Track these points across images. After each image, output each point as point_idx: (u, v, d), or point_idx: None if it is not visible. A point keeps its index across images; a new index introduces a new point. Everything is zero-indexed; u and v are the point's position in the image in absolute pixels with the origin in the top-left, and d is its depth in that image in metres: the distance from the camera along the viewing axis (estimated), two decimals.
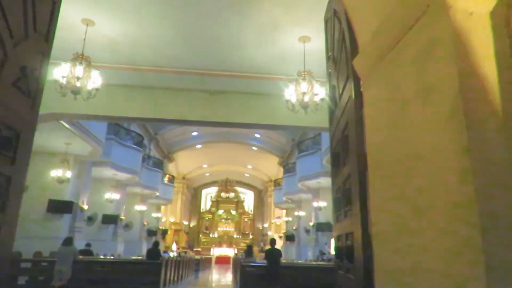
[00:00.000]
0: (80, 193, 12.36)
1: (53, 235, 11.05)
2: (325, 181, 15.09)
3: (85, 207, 12.56)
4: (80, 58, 5.52)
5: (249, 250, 8.54)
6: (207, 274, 17.49)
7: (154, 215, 23.36)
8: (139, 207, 19.19)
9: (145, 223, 21.06)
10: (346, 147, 2.64)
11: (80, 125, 9.71)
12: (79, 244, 11.63)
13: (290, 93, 5.72)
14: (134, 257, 11.83)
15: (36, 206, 10.89)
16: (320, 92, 5.73)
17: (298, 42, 6.18)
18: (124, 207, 17.49)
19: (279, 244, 31.19)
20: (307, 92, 5.62)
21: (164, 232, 27.54)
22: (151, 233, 22.61)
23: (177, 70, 7.28)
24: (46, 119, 7.85)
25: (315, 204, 15.74)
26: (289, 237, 23.26)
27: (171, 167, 30.57)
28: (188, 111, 7.93)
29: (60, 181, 10.46)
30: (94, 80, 5.56)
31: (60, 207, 11.21)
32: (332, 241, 16.39)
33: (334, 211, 3.22)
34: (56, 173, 10.36)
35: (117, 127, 14.34)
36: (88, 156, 11.82)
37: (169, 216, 34.06)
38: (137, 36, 6.26)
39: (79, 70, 5.36)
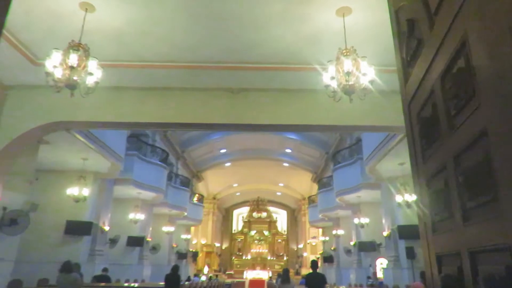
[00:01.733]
0: (100, 213, 11.56)
1: (72, 259, 10.20)
2: (367, 195, 13.54)
3: (106, 228, 11.73)
4: (76, 46, 4.63)
5: (285, 275, 7.21)
6: None
7: (184, 236, 22.36)
8: (167, 228, 18.27)
9: (174, 245, 20.06)
10: (464, 87, 1.41)
11: (96, 138, 8.94)
12: (99, 269, 10.73)
13: (331, 74, 4.54)
14: (160, 283, 10.76)
15: (53, 228, 10.13)
16: (369, 73, 4.51)
17: (336, 16, 5.04)
18: (150, 229, 16.60)
19: None
20: (351, 73, 4.42)
21: (195, 255, 26.44)
22: (181, 255, 21.58)
23: (193, 65, 6.30)
24: (53, 129, 7.07)
25: (355, 220, 14.15)
26: (327, 259, 21.50)
27: (200, 187, 29.78)
28: (208, 114, 6.91)
29: (77, 199, 9.68)
30: (93, 70, 4.64)
31: (79, 228, 10.41)
32: (378, 262, 14.68)
33: (422, 215, 1.96)
34: (71, 191, 9.58)
35: (140, 143, 13.63)
36: (107, 173, 11.06)
37: (200, 237, 33.07)
38: (145, 25, 5.35)
39: (73, 58, 4.46)
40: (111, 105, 6.86)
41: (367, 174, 12.03)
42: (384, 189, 11.88)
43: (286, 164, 27.29)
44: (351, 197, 13.98)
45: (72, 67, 4.44)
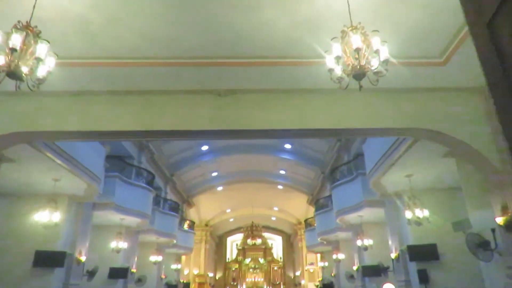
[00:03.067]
0: (76, 241, 10.35)
1: None
2: (369, 214, 12.52)
3: (83, 258, 10.48)
4: (23, 28, 3.75)
5: None
6: None
7: (174, 266, 20.86)
8: (154, 258, 16.87)
9: (163, 276, 18.58)
10: None
11: (68, 155, 7.92)
12: None
13: (336, 53, 3.69)
14: None
15: (19, 259, 8.93)
16: (382, 51, 3.68)
17: None
18: (135, 259, 15.26)
19: None
20: (361, 50, 3.59)
21: (186, 286, 24.74)
22: (171, 287, 20.04)
23: (173, 62, 5.45)
24: (12, 142, 6.08)
25: (358, 243, 13.05)
26: (327, 286, 20.14)
27: (192, 213, 28.44)
28: (192, 119, 6.02)
29: (46, 226, 8.52)
30: (42, 56, 3.74)
31: (50, 259, 9.18)
32: None
33: None
34: (40, 216, 8.45)
35: (122, 163, 12.59)
36: (84, 196, 9.94)
37: (192, 267, 31.34)
38: (114, 10, 4.52)
39: (16, 39, 3.56)
40: (79, 112, 5.94)
41: (369, 191, 11.07)
42: (389, 206, 10.92)
43: (280, 187, 26.25)
44: (352, 217, 12.94)
45: (13, 50, 3.53)
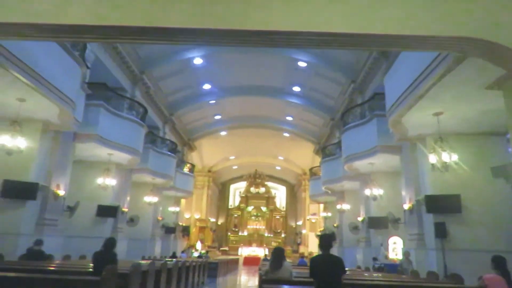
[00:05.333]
0: (53, 174, 9.30)
1: (11, 228, 8.13)
2: (382, 161, 11.26)
3: (61, 193, 9.50)
4: None
5: (277, 258, 4.93)
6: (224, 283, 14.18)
7: (172, 209, 20.28)
8: (149, 199, 16.12)
9: (159, 218, 18.00)
10: None
11: (30, 69, 6.56)
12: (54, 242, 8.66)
13: None
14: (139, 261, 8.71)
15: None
16: None
17: None
18: (128, 198, 14.46)
19: (313, 245, 27.01)
20: None
21: (186, 229, 24.46)
22: (168, 230, 19.59)
23: None
24: None
25: (367, 192, 11.91)
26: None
27: (194, 158, 27.59)
28: (167, 15, 4.52)
29: (11, 153, 7.38)
30: None
31: (19, 191, 8.12)
32: (391, 242, 12.52)
33: None
34: (1, 141, 7.27)
35: (108, 92, 11.25)
36: (60, 124, 8.67)
37: (194, 212, 31.24)
38: None
39: None
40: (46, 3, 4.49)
41: (385, 134, 9.70)
42: (406, 152, 9.58)
43: (286, 134, 24.94)
44: (362, 164, 11.69)
45: None
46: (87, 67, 9.49)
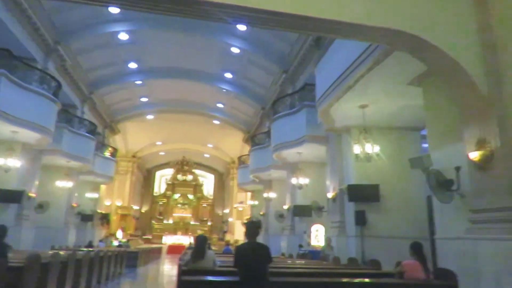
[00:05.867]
0: None
1: None
2: (309, 151, 11.51)
3: None
4: None
5: (199, 246, 4.61)
6: (143, 272, 13.54)
7: (89, 195, 18.76)
8: (62, 183, 14.65)
9: (74, 205, 16.50)
10: None
11: None
12: None
13: None
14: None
15: None
16: None
17: None
18: (36, 182, 12.95)
19: (239, 233, 27.26)
20: None
21: (105, 217, 22.89)
22: (84, 217, 18.10)
23: None
24: None
25: (293, 181, 12.12)
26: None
27: (118, 143, 25.87)
28: None
29: None
30: None
31: None
32: (314, 229, 12.98)
33: None
34: None
35: (11, 58, 9.79)
36: None
37: (115, 199, 29.47)
38: None
39: None
40: None
41: (313, 125, 9.90)
42: (332, 143, 9.86)
43: (216, 122, 24.50)
44: (290, 153, 11.84)
45: None
46: None
